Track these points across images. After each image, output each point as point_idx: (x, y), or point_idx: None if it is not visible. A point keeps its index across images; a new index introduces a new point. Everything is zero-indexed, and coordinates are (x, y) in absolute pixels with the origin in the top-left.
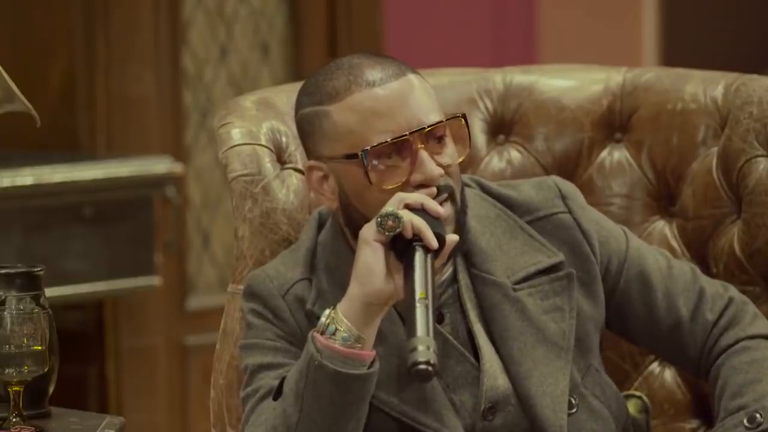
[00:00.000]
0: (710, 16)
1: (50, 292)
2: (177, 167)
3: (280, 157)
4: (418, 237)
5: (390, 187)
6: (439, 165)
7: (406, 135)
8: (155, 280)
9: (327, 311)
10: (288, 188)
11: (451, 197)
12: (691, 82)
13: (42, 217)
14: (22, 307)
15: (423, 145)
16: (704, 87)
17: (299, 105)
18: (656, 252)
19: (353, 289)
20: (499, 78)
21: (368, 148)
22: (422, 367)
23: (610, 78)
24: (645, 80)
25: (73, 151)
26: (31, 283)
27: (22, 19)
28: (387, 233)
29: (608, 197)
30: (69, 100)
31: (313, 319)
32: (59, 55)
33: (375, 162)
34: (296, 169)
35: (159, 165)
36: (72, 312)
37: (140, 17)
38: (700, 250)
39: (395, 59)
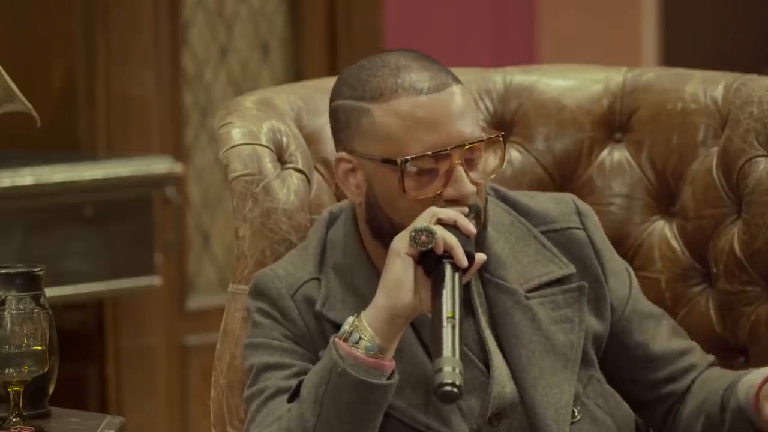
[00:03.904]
0: (710, 16)
1: (50, 292)
2: (177, 167)
3: (281, 157)
4: (448, 254)
5: (422, 197)
6: (472, 182)
7: (447, 150)
8: (155, 280)
9: (350, 318)
10: (288, 188)
11: (477, 216)
12: (691, 82)
13: (42, 217)
14: (22, 307)
15: (461, 161)
16: (704, 87)
17: (337, 94)
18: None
19: (380, 300)
20: (499, 78)
21: (408, 157)
22: (448, 388)
23: (610, 78)
24: (645, 80)
25: (73, 151)
26: (31, 283)
27: (22, 19)
28: (419, 247)
29: (608, 197)
30: (69, 100)
31: (321, 320)
32: (59, 55)
33: (411, 171)
34: (297, 169)
35: (159, 165)
36: (72, 312)
37: (140, 17)
38: (700, 250)
39: (442, 66)
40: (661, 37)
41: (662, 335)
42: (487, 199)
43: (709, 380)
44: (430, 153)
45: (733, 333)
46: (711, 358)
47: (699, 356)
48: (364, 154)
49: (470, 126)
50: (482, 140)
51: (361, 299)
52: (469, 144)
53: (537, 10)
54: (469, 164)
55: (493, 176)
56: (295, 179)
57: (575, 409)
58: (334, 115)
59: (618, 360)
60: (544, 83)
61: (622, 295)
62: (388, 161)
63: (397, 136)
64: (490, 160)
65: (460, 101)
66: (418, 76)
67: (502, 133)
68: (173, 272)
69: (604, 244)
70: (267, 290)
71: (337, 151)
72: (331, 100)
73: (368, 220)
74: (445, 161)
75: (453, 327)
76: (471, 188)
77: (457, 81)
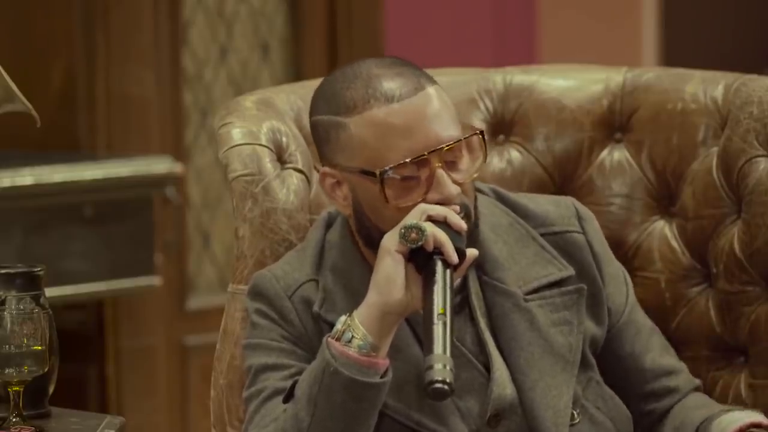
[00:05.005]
0: (710, 16)
1: (50, 292)
2: (177, 167)
3: (281, 157)
4: (438, 250)
5: (406, 205)
6: (455, 182)
7: (424, 155)
8: (155, 280)
9: (343, 318)
10: (288, 188)
11: (467, 215)
12: (691, 82)
13: (42, 217)
14: (22, 307)
15: (441, 164)
16: (704, 87)
17: (315, 109)
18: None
19: (372, 298)
20: (499, 78)
21: (387, 168)
22: (438, 385)
23: (610, 78)
24: (645, 80)
25: (73, 151)
26: (31, 283)
27: (22, 19)
28: (409, 245)
29: (608, 197)
30: (69, 100)
31: (319, 321)
32: (59, 55)
33: (392, 179)
34: (296, 169)
35: (159, 165)
36: (72, 312)
37: (140, 17)
38: (700, 250)
39: (415, 68)
40: (661, 37)
41: (654, 349)
42: (476, 197)
43: (688, 408)
44: (408, 160)
45: (733, 333)
46: (697, 382)
47: (685, 379)
48: (345, 167)
49: (447, 127)
50: (459, 140)
51: (358, 301)
52: (447, 146)
53: (537, 10)
54: (450, 165)
55: (476, 174)
56: (294, 179)
57: (574, 412)
58: (314, 130)
59: (608, 367)
60: (544, 83)
61: (619, 303)
62: (367, 173)
63: (374, 147)
64: (474, 157)
65: (436, 103)
66: (390, 83)
67: (481, 129)
68: (173, 272)
69: (603, 249)
70: (265, 291)
71: (322, 165)
72: (310, 115)
73: (358, 229)
74: (425, 166)
75: (444, 324)
76: (455, 189)
77: (432, 82)
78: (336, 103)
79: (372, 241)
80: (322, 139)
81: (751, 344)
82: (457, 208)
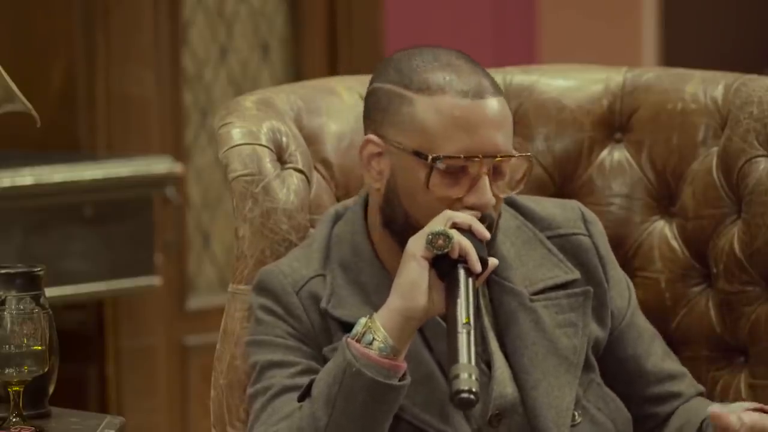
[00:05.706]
0: (710, 16)
1: (50, 292)
2: (177, 167)
3: (281, 157)
4: (462, 258)
5: (442, 196)
6: (493, 194)
7: (478, 157)
8: (155, 280)
9: (363, 319)
10: (288, 188)
11: (489, 227)
12: (691, 82)
13: (42, 217)
14: (22, 307)
15: (488, 171)
16: (704, 87)
17: (381, 75)
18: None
19: (394, 302)
20: (499, 78)
21: (441, 156)
22: (465, 395)
23: (610, 78)
24: (645, 80)
25: (73, 151)
26: (31, 283)
27: (22, 19)
28: (435, 251)
29: (608, 197)
30: (69, 100)
31: (326, 317)
32: (59, 55)
33: (439, 169)
34: (297, 169)
35: (159, 165)
36: (72, 312)
37: (140, 17)
38: (700, 250)
39: (489, 75)
40: (661, 37)
41: (656, 353)
42: (500, 214)
43: (692, 409)
44: (462, 156)
45: (733, 333)
46: (700, 388)
47: (688, 384)
48: (394, 142)
49: (505, 139)
50: (514, 156)
51: (366, 296)
52: (501, 156)
53: (537, 10)
54: (495, 176)
55: (514, 192)
56: (295, 179)
57: (576, 413)
58: (375, 95)
59: (609, 370)
60: (544, 83)
61: (621, 306)
62: (419, 154)
63: (434, 132)
64: (514, 176)
65: (501, 113)
66: (467, 78)
67: (534, 155)
68: (173, 272)
69: (608, 252)
70: (272, 286)
71: (366, 132)
72: (374, 80)
73: (383, 207)
74: (474, 167)
75: (468, 333)
76: (492, 200)
77: (501, 93)
78: (408, 77)
79: (393, 222)
80: (380, 106)
81: (751, 344)
82: (479, 213)
